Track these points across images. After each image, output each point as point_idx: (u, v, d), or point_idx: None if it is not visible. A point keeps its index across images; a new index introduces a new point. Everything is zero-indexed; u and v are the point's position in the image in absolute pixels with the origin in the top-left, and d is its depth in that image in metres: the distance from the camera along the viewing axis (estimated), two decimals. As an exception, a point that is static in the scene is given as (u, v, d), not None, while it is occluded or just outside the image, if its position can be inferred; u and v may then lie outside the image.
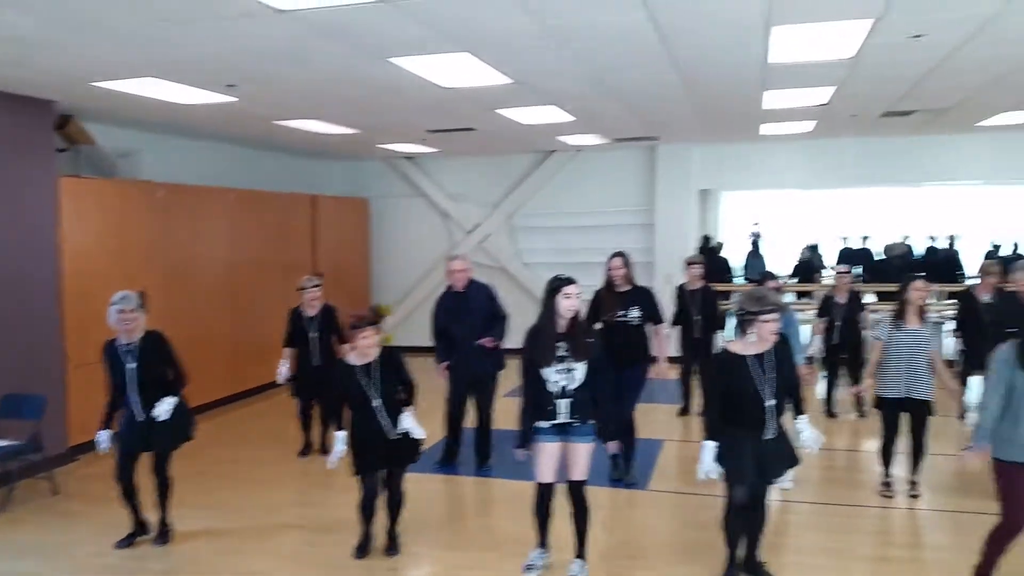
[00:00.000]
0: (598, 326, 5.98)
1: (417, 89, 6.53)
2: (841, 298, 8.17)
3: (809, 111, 8.35)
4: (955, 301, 8.65)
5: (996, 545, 4.17)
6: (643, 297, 6.17)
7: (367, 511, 5.03)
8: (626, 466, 6.37)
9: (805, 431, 4.48)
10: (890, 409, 5.81)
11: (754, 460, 4.31)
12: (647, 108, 8.10)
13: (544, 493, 4.60)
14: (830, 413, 8.46)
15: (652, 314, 6.19)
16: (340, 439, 4.89)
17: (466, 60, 5.57)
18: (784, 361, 4.34)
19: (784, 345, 4.39)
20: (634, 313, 6.07)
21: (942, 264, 13.94)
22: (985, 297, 7.24)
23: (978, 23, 4.85)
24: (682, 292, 8.22)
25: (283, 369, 7.12)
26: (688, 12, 4.61)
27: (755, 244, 17.05)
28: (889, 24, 4.83)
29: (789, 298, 14.95)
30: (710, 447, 4.32)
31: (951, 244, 14.75)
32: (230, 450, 7.67)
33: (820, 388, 8.75)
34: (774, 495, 4.55)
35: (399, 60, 5.57)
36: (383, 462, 4.94)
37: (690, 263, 8.21)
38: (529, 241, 12.58)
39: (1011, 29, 5.01)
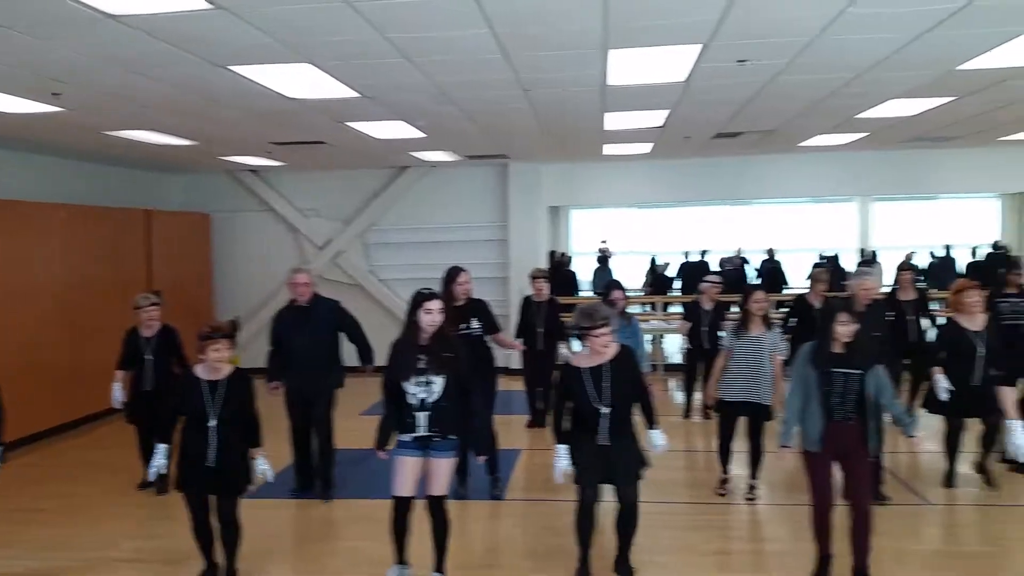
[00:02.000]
0: None
1: (259, 98, 6.35)
2: (707, 305, 8.63)
3: (647, 133, 8.81)
4: (787, 309, 9.31)
5: (816, 528, 4.56)
6: (480, 309, 6.24)
7: (201, 537, 4.76)
8: (492, 478, 6.44)
9: (656, 440, 4.74)
10: (731, 412, 6.15)
11: (600, 463, 4.50)
12: (495, 126, 8.26)
13: (401, 507, 4.55)
14: (687, 415, 8.95)
15: (491, 324, 6.28)
16: (161, 452, 4.69)
17: (308, 71, 5.47)
18: (627, 371, 4.55)
19: (628, 355, 4.61)
20: (475, 325, 6.13)
21: (771, 275, 15.06)
22: (816, 304, 7.83)
23: (796, 49, 5.29)
24: (528, 304, 8.41)
25: (116, 393, 6.66)
26: (529, 32, 4.75)
27: (603, 259, 17.71)
28: (716, 49, 5.18)
29: (637, 309, 15.64)
30: (562, 451, 4.58)
31: (772, 256, 15.91)
32: (64, 484, 7.09)
33: (679, 393, 9.21)
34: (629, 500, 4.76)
35: (239, 68, 5.40)
36: (208, 488, 4.68)
37: (535, 277, 8.40)
38: (384, 257, 12.47)
39: (823, 57, 5.49)
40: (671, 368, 11.67)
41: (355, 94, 6.31)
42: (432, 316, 4.42)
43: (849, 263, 15.72)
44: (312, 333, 6.30)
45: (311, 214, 12.49)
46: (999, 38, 5.02)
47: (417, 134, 8.50)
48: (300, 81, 5.77)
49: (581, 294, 14.53)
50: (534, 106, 7.07)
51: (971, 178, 12.18)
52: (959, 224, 19.08)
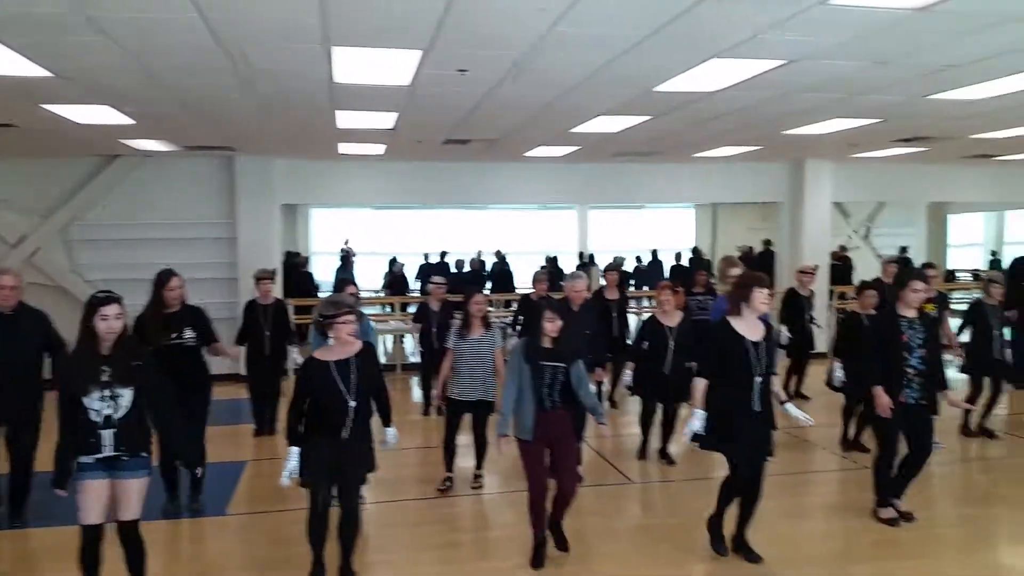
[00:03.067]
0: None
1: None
2: (435, 306, 8.77)
3: (379, 134, 8.82)
4: (514, 307, 9.83)
5: (533, 512, 4.86)
6: (195, 316, 5.88)
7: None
8: (195, 494, 6.07)
9: (389, 437, 4.78)
10: (456, 410, 6.34)
11: (334, 463, 4.45)
12: (217, 117, 7.80)
13: (90, 536, 4.08)
14: (426, 412, 9.18)
15: (207, 333, 5.95)
16: None
17: (-13, 45, 4.79)
18: (371, 366, 4.57)
19: (372, 351, 4.65)
20: (188, 334, 5.76)
21: (502, 276, 15.82)
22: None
23: (511, 63, 5.57)
24: (252, 307, 8.05)
25: None
26: (244, 21, 4.55)
27: (345, 259, 17.51)
28: (437, 57, 5.32)
29: (376, 310, 15.63)
30: (294, 452, 4.47)
31: (503, 258, 16.74)
32: None
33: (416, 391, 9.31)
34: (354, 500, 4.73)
35: None
36: None
37: (259, 278, 8.05)
38: (91, 256, 11.20)
39: (536, 72, 5.84)
40: (408, 367, 11.80)
41: (48, 74, 5.63)
42: (109, 323, 3.97)
43: (569, 265, 16.96)
44: (16, 347, 5.49)
45: (1, 206, 10.92)
46: (686, 64, 5.68)
47: (126, 120, 7.77)
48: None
49: (324, 295, 14.19)
50: (257, 98, 6.78)
51: (672, 190, 13.67)
52: (664, 231, 21.45)
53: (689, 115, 7.82)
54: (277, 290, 9.67)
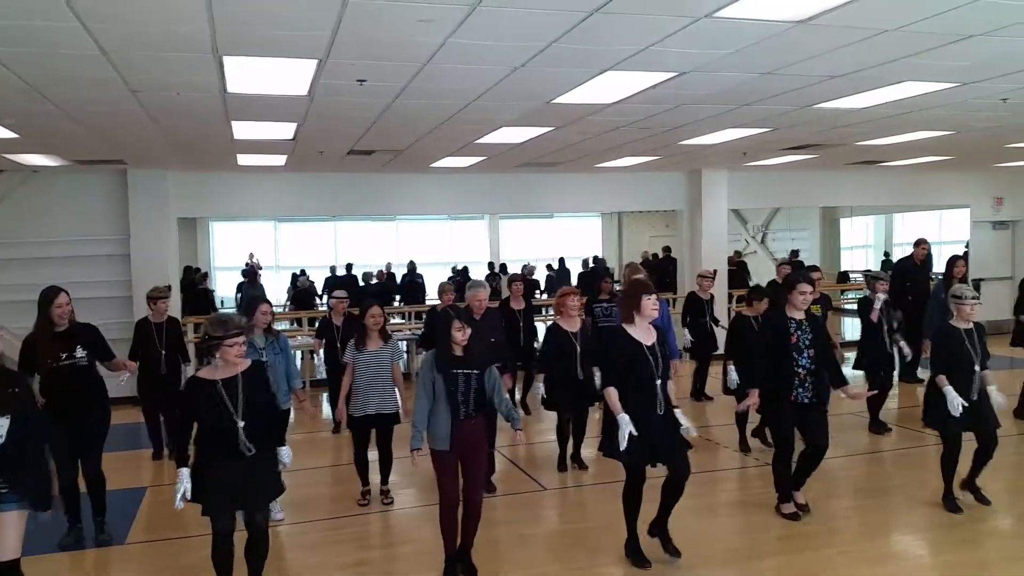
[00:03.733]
0: (37, 375, 5.33)
1: None
2: (338, 320, 8.61)
3: (279, 144, 8.64)
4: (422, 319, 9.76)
5: (445, 525, 4.80)
6: (87, 334, 5.61)
7: None
8: (98, 524, 5.77)
9: (283, 456, 4.60)
10: (360, 426, 6.23)
11: (236, 486, 4.29)
12: (106, 129, 7.48)
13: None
14: (336, 430, 8.88)
15: (101, 351, 5.69)
16: None
17: None
18: (259, 384, 4.42)
19: (260, 369, 4.52)
20: (80, 353, 5.50)
21: (412, 288, 15.72)
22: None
23: (410, 74, 5.56)
24: (144, 326, 7.74)
25: None
26: (129, 31, 4.39)
27: (251, 274, 17.04)
28: (334, 67, 5.24)
29: (284, 325, 15.23)
30: (184, 474, 4.27)
31: (414, 270, 16.65)
32: None
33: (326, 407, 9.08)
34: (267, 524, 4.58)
35: None
36: None
37: (155, 298, 7.73)
38: (-28, 277, 10.54)
39: (437, 83, 5.84)
40: (318, 383, 11.55)
41: (-88, 82, 5.29)
42: None
43: (480, 276, 17.00)
44: None
45: None
46: (582, 77, 5.79)
47: (8, 134, 7.36)
48: None
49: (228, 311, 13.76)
50: (148, 109, 6.53)
51: (577, 199, 13.89)
52: (572, 239, 21.79)
53: (589, 126, 7.98)
54: (175, 307, 9.32)
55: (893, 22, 4.63)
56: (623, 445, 4.69)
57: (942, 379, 5.56)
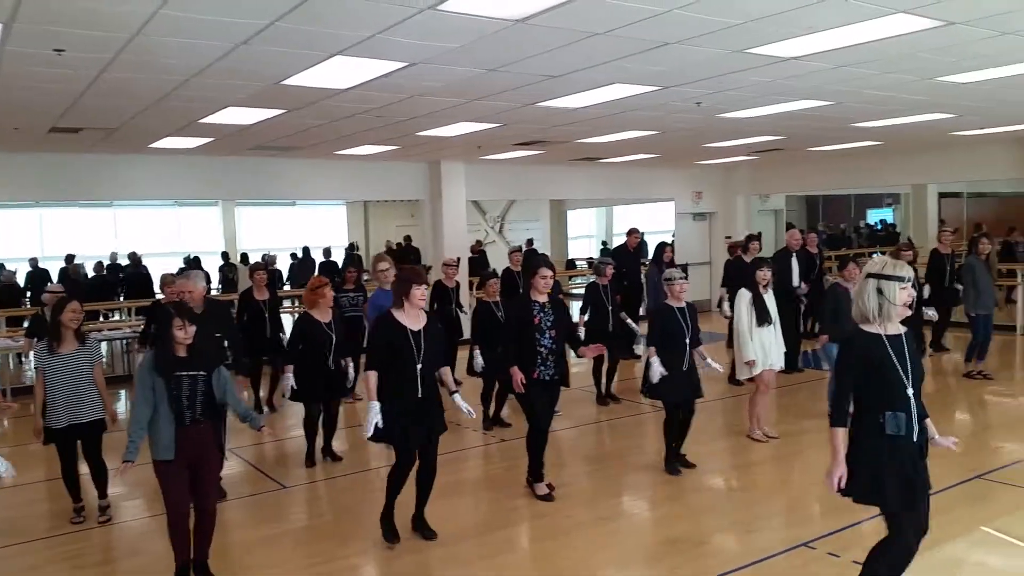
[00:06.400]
0: None
1: None
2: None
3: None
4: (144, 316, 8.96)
5: (174, 536, 4.47)
6: None
7: None
8: None
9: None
10: (62, 438, 5.59)
11: None
12: None
13: None
14: (46, 441, 7.77)
15: None
16: None
17: None
18: None
19: None
20: None
21: (137, 281, 14.42)
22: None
23: (119, 43, 5.07)
24: None
25: None
26: None
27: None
28: (24, 32, 4.65)
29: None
30: None
31: (139, 261, 15.29)
32: None
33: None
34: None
35: None
36: None
37: None
38: None
39: (150, 56, 5.41)
40: (21, 391, 10.18)
41: None
42: None
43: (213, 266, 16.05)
44: None
45: None
46: (311, 60, 5.66)
47: None
48: None
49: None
50: None
51: (320, 187, 13.53)
52: (317, 228, 21.26)
53: (324, 111, 7.83)
54: None
55: (601, 26, 5.06)
56: (369, 431, 4.78)
57: (652, 350, 6.20)
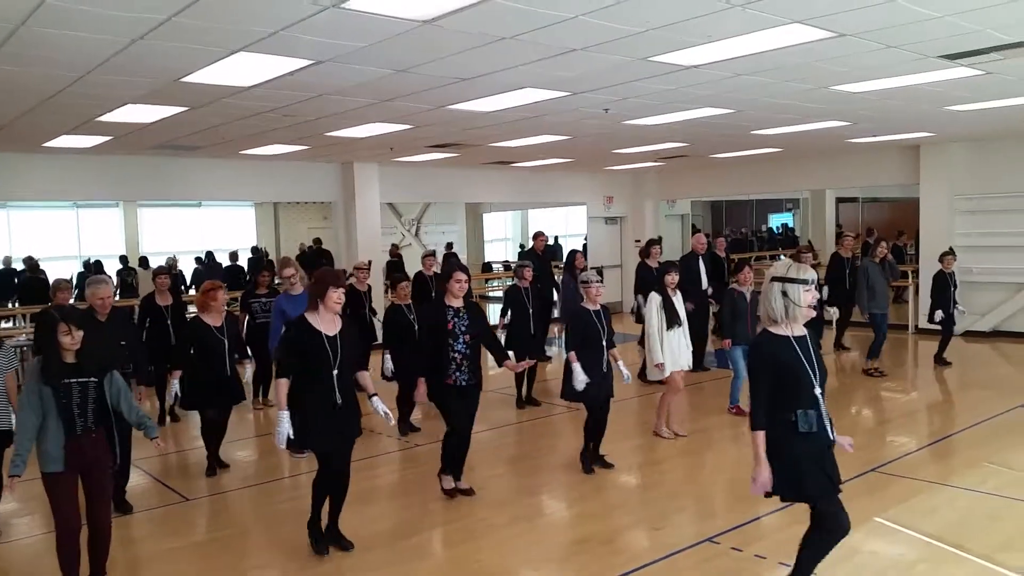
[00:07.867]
0: None
1: None
2: None
3: None
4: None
5: (64, 554, 4.23)
6: None
7: None
8: None
9: None
10: None
11: None
12: None
13: None
14: None
15: None
16: None
17: None
18: None
19: None
20: None
21: (34, 286, 13.70)
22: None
23: (1, 35, 4.80)
24: None
25: None
26: None
27: None
28: None
29: None
30: None
31: (36, 266, 14.52)
32: None
33: None
34: None
35: None
36: None
37: None
38: None
39: (38, 50, 5.13)
40: None
41: None
42: None
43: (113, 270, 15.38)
44: None
45: None
46: (212, 56, 5.46)
47: None
48: None
49: None
50: None
51: (227, 188, 13.09)
52: (224, 230, 20.61)
53: (228, 110, 7.59)
54: None
55: (508, 30, 5.08)
56: (281, 442, 4.67)
57: (572, 355, 6.24)
